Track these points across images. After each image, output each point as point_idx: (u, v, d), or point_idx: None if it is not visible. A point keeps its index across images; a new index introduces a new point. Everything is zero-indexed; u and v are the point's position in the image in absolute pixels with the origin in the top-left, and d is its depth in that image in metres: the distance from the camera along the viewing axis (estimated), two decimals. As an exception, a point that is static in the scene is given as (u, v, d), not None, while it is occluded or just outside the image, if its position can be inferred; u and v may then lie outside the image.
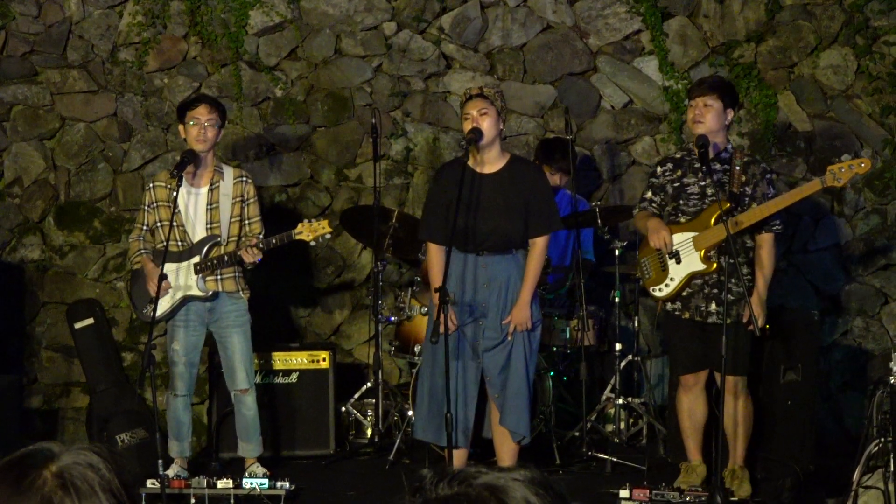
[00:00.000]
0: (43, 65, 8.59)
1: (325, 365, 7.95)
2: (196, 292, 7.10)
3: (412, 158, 8.67)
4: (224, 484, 6.72)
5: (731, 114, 6.78)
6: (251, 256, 6.99)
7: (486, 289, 6.63)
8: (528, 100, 8.62)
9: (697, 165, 6.75)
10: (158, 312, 6.96)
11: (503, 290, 6.63)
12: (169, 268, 6.98)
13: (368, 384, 8.06)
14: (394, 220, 7.84)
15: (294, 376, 7.90)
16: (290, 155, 8.67)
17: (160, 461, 6.42)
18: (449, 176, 6.65)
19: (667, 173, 6.84)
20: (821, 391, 7.96)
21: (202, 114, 7.02)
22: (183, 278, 7.10)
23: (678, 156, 6.92)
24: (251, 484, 6.69)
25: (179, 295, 7.11)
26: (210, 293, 7.11)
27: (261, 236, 7.15)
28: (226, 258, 7.06)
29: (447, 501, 1.93)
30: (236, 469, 7.32)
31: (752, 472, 6.93)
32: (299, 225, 7.09)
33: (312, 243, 7.16)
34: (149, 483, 6.63)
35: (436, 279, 6.59)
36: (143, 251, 7.14)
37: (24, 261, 8.59)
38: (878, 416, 6.26)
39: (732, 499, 6.56)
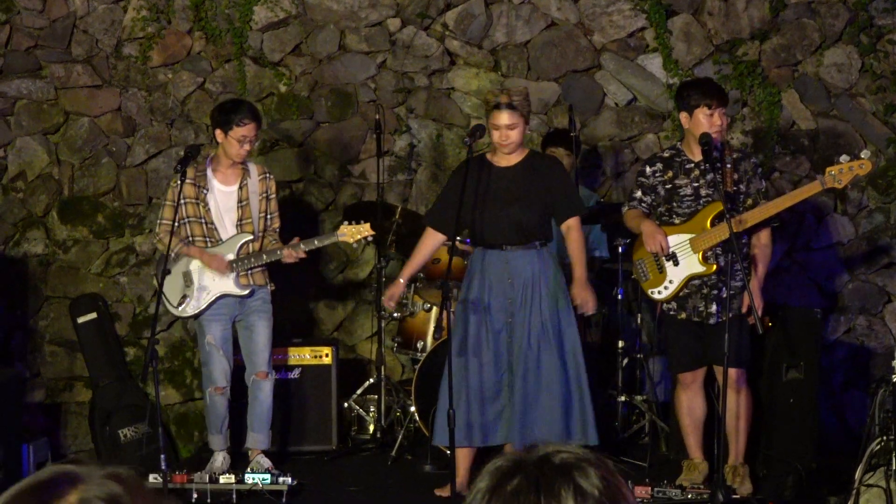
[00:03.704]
0: (47, 59, 8.59)
1: (327, 361, 7.95)
2: (235, 290, 7.19)
3: (416, 155, 8.68)
4: (226, 479, 6.74)
5: (683, 117, 6.72)
6: (293, 258, 7.14)
7: (511, 286, 6.64)
8: (532, 97, 8.57)
9: (689, 166, 6.75)
10: (193, 311, 7.16)
11: (528, 285, 6.65)
12: (198, 264, 7.16)
13: (371, 380, 8.06)
14: (397, 217, 7.85)
15: (297, 372, 7.91)
16: (294, 150, 8.67)
17: (163, 456, 6.43)
18: (469, 171, 6.66)
19: (657, 174, 6.82)
20: (823, 389, 7.96)
21: (251, 132, 7.08)
22: (216, 275, 7.17)
23: (666, 155, 6.89)
24: (253, 479, 6.70)
25: (216, 292, 7.18)
26: (249, 290, 7.21)
27: (276, 229, 7.32)
28: (264, 256, 7.15)
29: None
30: (242, 462, 7.34)
31: (754, 470, 6.94)
32: (342, 227, 7.19)
33: (355, 245, 7.29)
34: (151, 478, 6.64)
35: (412, 261, 6.86)
36: (182, 242, 7.18)
37: (27, 255, 8.60)
38: (880, 414, 6.26)
39: (734, 496, 6.56)
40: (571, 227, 6.75)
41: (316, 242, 7.26)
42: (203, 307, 7.19)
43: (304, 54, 8.66)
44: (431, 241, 6.85)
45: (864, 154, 6.58)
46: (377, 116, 8.09)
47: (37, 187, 8.61)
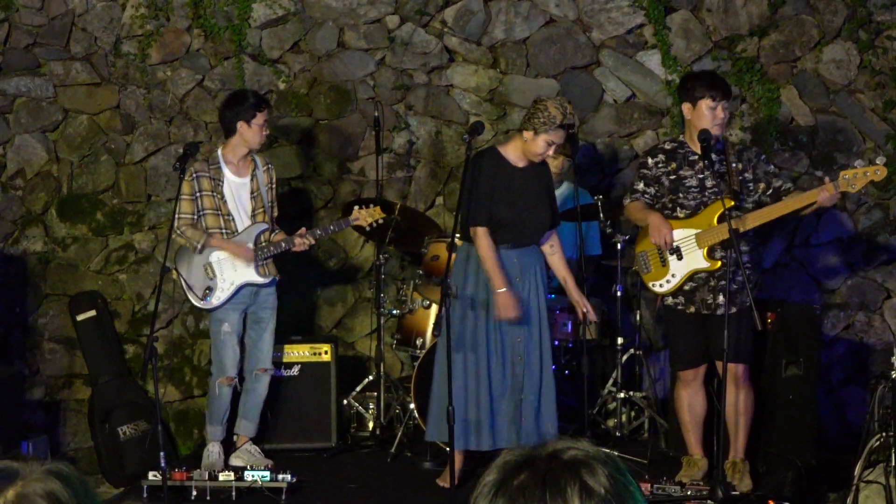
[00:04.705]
0: (46, 57, 8.59)
1: (327, 358, 7.95)
2: (257, 279, 7.35)
3: (415, 152, 8.67)
4: (225, 476, 6.74)
5: (686, 107, 6.76)
6: (305, 245, 7.35)
7: (518, 283, 6.66)
8: (531, 93, 8.59)
9: (693, 158, 6.75)
10: (218, 302, 7.27)
11: (533, 282, 6.69)
12: (218, 255, 7.27)
13: (370, 377, 8.06)
14: (396, 214, 7.84)
15: (296, 369, 7.90)
16: (293, 147, 8.67)
17: (162, 453, 6.43)
18: (489, 166, 6.68)
19: (660, 165, 6.83)
20: (822, 385, 7.96)
21: (268, 115, 7.40)
22: (237, 265, 7.30)
23: (668, 147, 6.90)
24: (253, 476, 6.70)
25: (239, 282, 7.30)
26: (270, 279, 7.38)
27: (275, 218, 7.51)
28: (283, 244, 7.31)
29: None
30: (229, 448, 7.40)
31: (754, 466, 6.93)
32: (354, 210, 7.40)
33: (368, 228, 7.46)
34: (150, 475, 6.64)
35: (496, 265, 6.59)
36: (206, 235, 7.28)
37: (26, 253, 8.60)
38: (879, 410, 6.27)
39: (734, 493, 6.57)
40: (556, 237, 6.93)
41: (332, 228, 7.58)
42: (226, 298, 7.28)
43: (303, 51, 8.65)
44: (490, 238, 6.68)
45: (880, 160, 6.57)
46: (376, 113, 8.09)
47: (36, 185, 8.60)
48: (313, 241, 7.39)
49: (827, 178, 6.69)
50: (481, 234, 6.63)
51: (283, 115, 8.62)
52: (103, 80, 8.60)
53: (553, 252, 6.91)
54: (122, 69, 8.59)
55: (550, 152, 6.66)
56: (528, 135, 6.62)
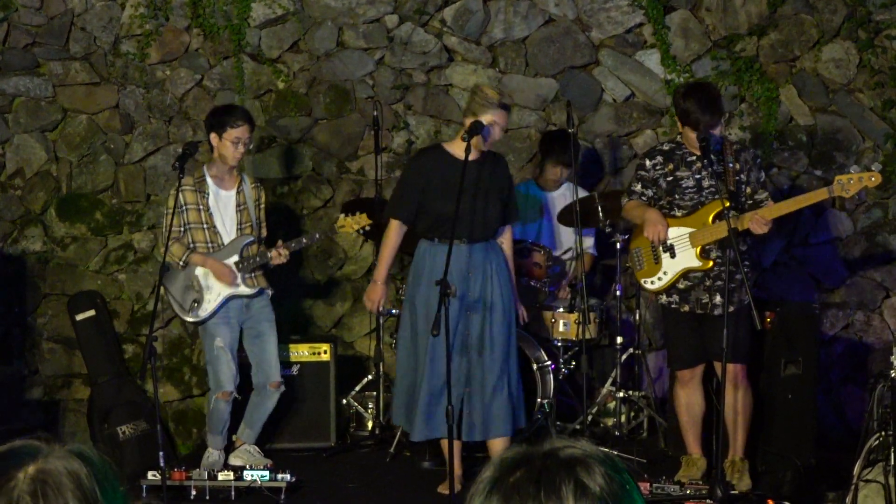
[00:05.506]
0: (45, 57, 8.58)
1: (326, 357, 7.95)
2: (244, 290, 7.29)
3: (414, 151, 8.67)
4: (225, 476, 6.73)
5: (678, 120, 6.79)
6: (280, 259, 7.26)
7: (471, 278, 6.66)
8: (530, 93, 8.62)
9: (691, 159, 6.75)
10: (204, 313, 7.24)
11: (487, 277, 6.69)
12: (204, 268, 7.25)
13: (369, 377, 8.07)
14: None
15: (295, 369, 7.90)
16: (292, 147, 8.67)
17: (161, 453, 6.43)
18: (430, 162, 6.72)
19: (657, 167, 6.82)
20: (821, 385, 7.96)
21: (244, 133, 7.23)
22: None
23: (666, 148, 6.90)
24: (252, 476, 6.70)
25: (226, 293, 7.27)
26: (257, 290, 7.32)
27: (263, 238, 7.45)
28: (269, 255, 7.25)
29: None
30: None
31: (753, 466, 6.93)
32: (340, 218, 7.37)
33: (354, 235, 7.50)
34: (149, 475, 6.64)
35: (387, 259, 6.81)
36: (190, 250, 7.26)
37: (25, 252, 8.59)
38: (878, 409, 6.26)
39: (733, 492, 6.56)
40: (509, 233, 6.93)
41: (317, 236, 7.58)
42: (213, 310, 7.24)
43: (302, 51, 8.65)
44: (399, 236, 6.82)
45: (876, 167, 6.60)
46: (375, 113, 8.09)
47: (35, 185, 8.60)
48: (288, 254, 7.29)
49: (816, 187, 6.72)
50: (394, 227, 6.79)
51: (282, 115, 8.62)
52: (102, 79, 8.60)
53: (506, 245, 6.92)
54: (121, 69, 8.59)
55: (497, 135, 6.65)
56: (468, 121, 6.63)
